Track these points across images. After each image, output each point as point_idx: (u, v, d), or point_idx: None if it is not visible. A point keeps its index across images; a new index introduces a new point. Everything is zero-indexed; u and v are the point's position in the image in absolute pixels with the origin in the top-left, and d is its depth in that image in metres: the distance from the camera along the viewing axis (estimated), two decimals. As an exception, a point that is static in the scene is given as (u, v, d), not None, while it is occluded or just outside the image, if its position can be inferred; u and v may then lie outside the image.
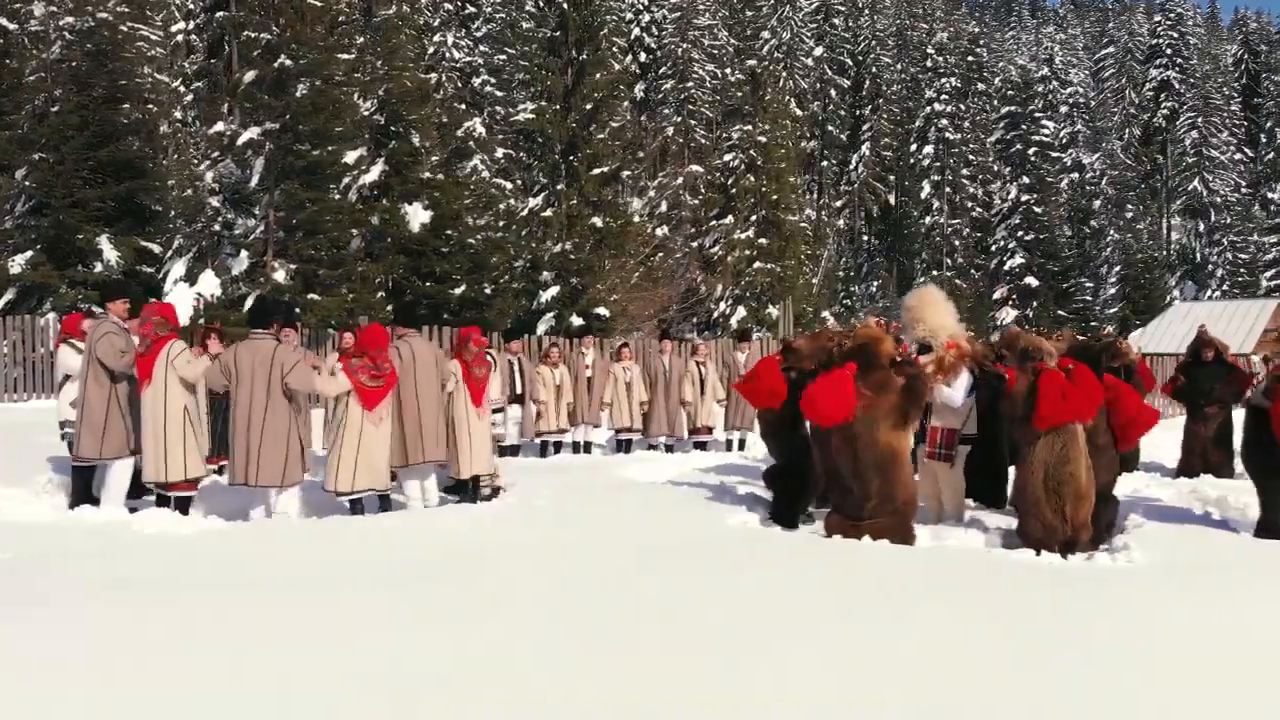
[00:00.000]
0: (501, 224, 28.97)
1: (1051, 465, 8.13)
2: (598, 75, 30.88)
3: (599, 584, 6.21)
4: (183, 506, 8.53)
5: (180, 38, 37.27)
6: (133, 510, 8.50)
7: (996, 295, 52.04)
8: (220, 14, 31.04)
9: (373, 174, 23.99)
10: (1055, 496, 8.10)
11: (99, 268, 20.76)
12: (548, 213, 29.79)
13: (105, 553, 6.79)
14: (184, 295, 20.51)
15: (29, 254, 20.26)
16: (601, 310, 25.72)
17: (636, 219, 43.86)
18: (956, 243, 57.58)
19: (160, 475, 8.40)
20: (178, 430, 8.42)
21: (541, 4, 31.55)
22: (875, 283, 66.09)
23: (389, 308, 23.43)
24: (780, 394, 9.60)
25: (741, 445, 15.51)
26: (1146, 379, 12.61)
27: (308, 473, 9.18)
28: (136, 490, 8.81)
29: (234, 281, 20.94)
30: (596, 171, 30.49)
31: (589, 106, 30.65)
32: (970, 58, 71.32)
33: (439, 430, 9.57)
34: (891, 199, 68.31)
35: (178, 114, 32.34)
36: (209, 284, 20.62)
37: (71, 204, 20.52)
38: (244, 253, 21.19)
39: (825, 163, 68.55)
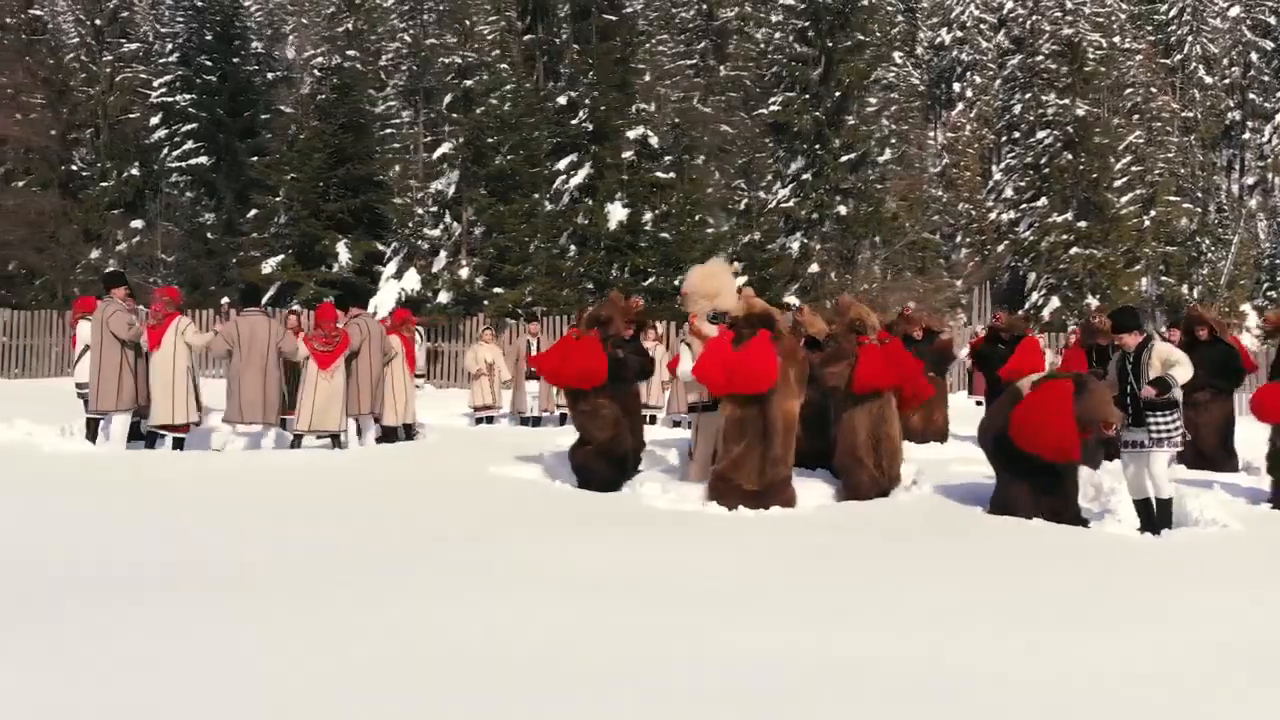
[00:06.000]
0: (736, 219, 29.63)
1: (871, 426, 9.03)
2: (851, 61, 30.39)
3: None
4: (179, 444, 10.99)
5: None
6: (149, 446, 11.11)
7: None
8: (527, 37, 34.82)
9: (579, 177, 25.87)
10: (875, 453, 9.03)
11: (336, 268, 24.57)
12: (790, 203, 29.94)
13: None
14: (391, 289, 23.80)
15: (280, 257, 24.50)
16: (791, 299, 25.58)
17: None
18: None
19: (168, 418, 10.90)
20: (183, 385, 10.96)
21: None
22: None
23: (589, 298, 25.17)
24: (599, 375, 9.76)
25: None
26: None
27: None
28: (134, 435, 11.28)
29: (433, 277, 23.86)
30: (845, 159, 30.11)
31: (838, 94, 30.33)
32: None
33: (379, 390, 12.04)
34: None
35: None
36: (411, 280, 23.72)
37: (312, 214, 24.44)
38: (442, 252, 24.03)
39: (1247, 135, 60.26)
